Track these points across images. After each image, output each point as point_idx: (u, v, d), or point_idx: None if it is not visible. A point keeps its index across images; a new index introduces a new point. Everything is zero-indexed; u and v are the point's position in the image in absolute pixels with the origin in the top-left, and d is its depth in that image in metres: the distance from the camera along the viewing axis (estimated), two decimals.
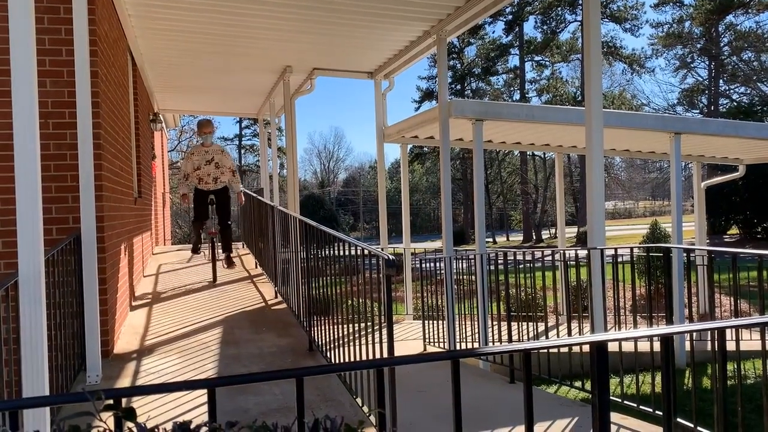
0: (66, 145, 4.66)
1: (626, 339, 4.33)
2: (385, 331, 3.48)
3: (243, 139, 50.22)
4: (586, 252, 5.34)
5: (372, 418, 3.61)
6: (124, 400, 1.20)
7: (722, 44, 35.66)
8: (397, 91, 10.45)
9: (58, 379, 3.70)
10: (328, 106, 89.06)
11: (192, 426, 1.01)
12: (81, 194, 4.24)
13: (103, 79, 5.03)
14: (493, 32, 43.00)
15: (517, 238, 43.56)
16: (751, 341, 8.56)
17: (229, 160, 7.82)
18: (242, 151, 49.95)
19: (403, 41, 8.25)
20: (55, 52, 4.64)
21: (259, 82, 10.56)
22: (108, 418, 1.03)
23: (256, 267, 9.12)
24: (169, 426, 1.08)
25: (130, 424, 0.98)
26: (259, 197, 9.39)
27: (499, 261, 7.06)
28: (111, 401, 1.10)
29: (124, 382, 4.43)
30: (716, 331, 2.40)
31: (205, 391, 1.57)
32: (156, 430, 0.98)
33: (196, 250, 8.67)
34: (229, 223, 7.98)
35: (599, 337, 2.01)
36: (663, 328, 2.57)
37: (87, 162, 4.23)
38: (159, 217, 13.03)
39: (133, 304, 6.82)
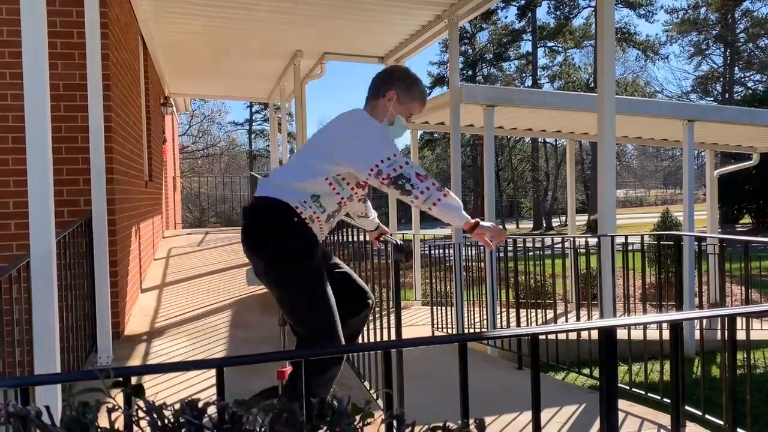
0: (77, 128, 4.68)
1: (636, 324, 4.32)
2: (393, 316, 3.48)
3: (253, 123, 50.27)
4: (596, 240, 5.31)
5: (380, 402, 3.63)
6: (134, 380, 1.22)
7: (738, 31, 35.16)
8: None
9: (69, 360, 3.75)
10: (339, 90, 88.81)
11: (200, 404, 1.01)
12: (92, 177, 4.26)
13: (114, 63, 5.03)
14: (506, 17, 42.72)
15: (527, 225, 43.46)
16: (761, 330, 8.52)
17: None
18: (252, 136, 49.99)
19: (415, 25, 8.18)
20: (67, 35, 4.64)
21: (270, 66, 10.53)
22: (117, 395, 1.04)
23: None
24: (177, 405, 1.09)
25: (139, 401, 0.99)
26: None
27: (509, 248, 7.04)
28: (120, 379, 1.11)
29: (135, 362, 4.48)
30: (726, 319, 2.39)
31: (214, 372, 1.58)
32: (165, 406, 0.99)
33: None
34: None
35: (608, 322, 2.01)
36: (673, 314, 2.56)
37: (98, 145, 4.25)
38: (170, 200, 13.09)
39: (144, 286, 6.87)
